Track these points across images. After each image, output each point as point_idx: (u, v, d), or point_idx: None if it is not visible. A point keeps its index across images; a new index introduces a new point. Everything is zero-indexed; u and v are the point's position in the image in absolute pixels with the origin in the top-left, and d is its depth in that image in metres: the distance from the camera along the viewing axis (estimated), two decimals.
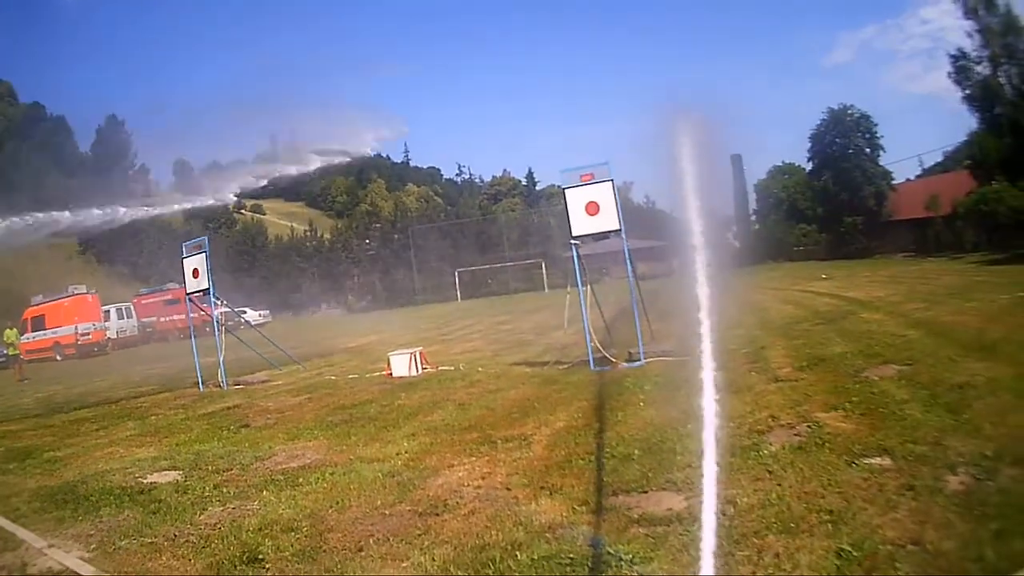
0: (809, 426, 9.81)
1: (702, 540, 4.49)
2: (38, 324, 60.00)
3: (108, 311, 64.68)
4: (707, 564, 4.34)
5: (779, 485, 7.61)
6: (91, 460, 13.69)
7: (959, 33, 56.56)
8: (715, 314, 5.29)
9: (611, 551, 6.47)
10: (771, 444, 9.15)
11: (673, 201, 6.91)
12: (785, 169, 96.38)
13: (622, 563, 6.22)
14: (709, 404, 4.84)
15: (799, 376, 13.44)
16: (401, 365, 20.85)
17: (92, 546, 8.45)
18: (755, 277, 51.04)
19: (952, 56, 56.21)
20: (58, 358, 57.44)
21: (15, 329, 43.62)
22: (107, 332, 62.47)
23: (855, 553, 5.82)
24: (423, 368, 21.20)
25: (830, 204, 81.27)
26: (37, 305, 60.80)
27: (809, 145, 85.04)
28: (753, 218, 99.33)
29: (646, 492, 8.00)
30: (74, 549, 8.43)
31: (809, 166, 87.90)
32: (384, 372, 21.33)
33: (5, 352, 45.48)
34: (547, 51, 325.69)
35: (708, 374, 4.95)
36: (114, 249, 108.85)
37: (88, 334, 58.39)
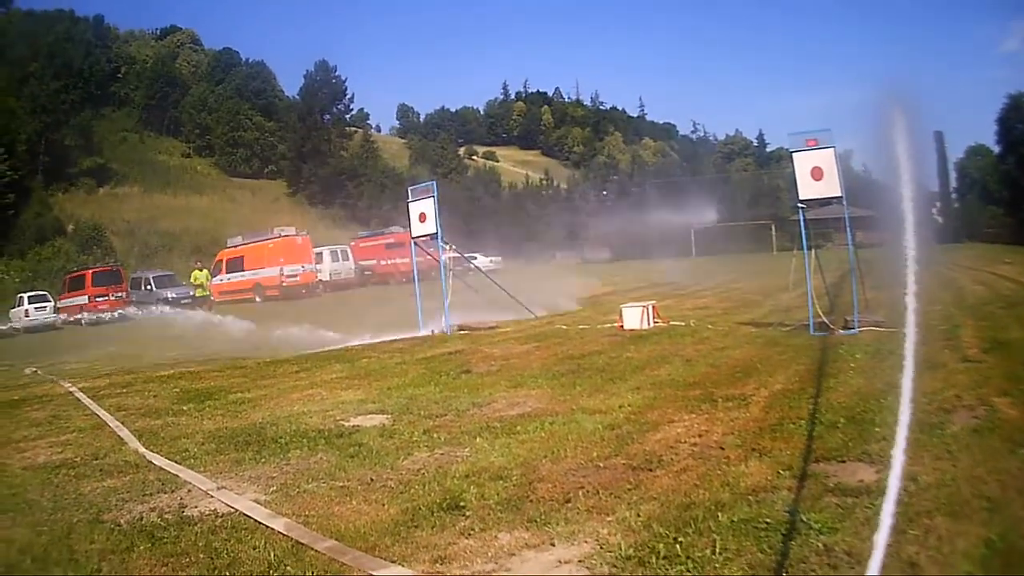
0: (986, 409, 9.60)
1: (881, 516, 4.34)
2: (234, 266, 61.01)
3: (321, 253, 64.83)
4: (881, 542, 4.16)
5: (954, 466, 7.46)
6: (286, 402, 13.59)
7: None
8: (920, 290, 5.16)
9: (804, 519, 6.34)
10: (954, 424, 9.01)
11: (885, 172, 7.02)
12: (978, 150, 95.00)
13: (811, 531, 6.10)
14: (906, 379, 4.79)
15: (983, 358, 13.18)
16: (633, 318, 20.68)
17: (272, 489, 8.25)
18: (952, 255, 51.12)
19: None
20: (258, 299, 57.76)
21: (205, 270, 44.54)
22: (319, 274, 62.79)
23: (999, 544, 5.70)
24: (655, 322, 20.96)
25: (1015, 189, 79.44)
26: (235, 247, 62.00)
27: (996, 129, 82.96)
28: (954, 196, 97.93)
29: (844, 462, 7.93)
30: (249, 491, 8.23)
31: (998, 149, 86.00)
32: (616, 324, 21.15)
33: (191, 293, 46.66)
34: (780, 17, 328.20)
35: (908, 350, 4.87)
36: (329, 191, 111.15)
37: (295, 276, 58.58)
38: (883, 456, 7.51)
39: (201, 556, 6.35)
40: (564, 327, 22.22)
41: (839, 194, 17.14)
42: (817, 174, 17.14)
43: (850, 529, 6.01)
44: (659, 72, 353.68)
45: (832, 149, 17.23)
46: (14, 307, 53.49)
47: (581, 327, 21.93)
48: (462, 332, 22.75)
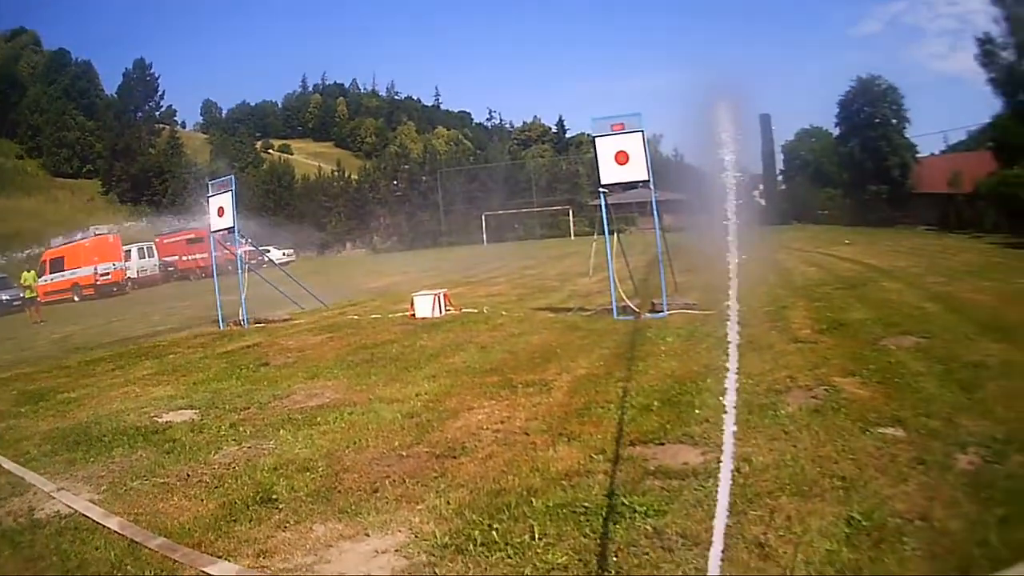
0: (826, 389, 9.83)
1: (717, 496, 4.48)
2: (56, 266, 59.76)
3: (129, 251, 64.62)
4: (720, 521, 4.33)
5: (794, 447, 7.65)
6: (105, 400, 13.59)
7: (986, 16, 57.03)
8: (739, 271, 5.24)
9: (625, 502, 6.50)
10: (788, 405, 9.18)
11: (701, 155, 7.07)
12: (813, 133, 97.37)
13: (635, 515, 6.25)
14: (732, 360, 4.78)
15: (819, 339, 13.48)
16: (425, 306, 20.98)
17: (103, 488, 8.40)
18: (779, 237, 51.20)
19: (979, 39, 56.75)
20: (76, 299, 57.09)
21: (33, 271, 43.33)
22: (127, 272, 62.55)
23: (864, 523, 5.84)
24: (447, 310, 21.35)
25: (856, 171, 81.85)
26: (56, 247, 60.60)
27: (837, 111, 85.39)
28: (780, 178, 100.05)
29: (663, 444, 8.05)
30: (84, 492, 8.37)
31: (837, 132, 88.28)
32: (408, 313, 21.43)
33: (22, 295, 45.14)
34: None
35: (732, 330, 4.89)
36: (137, 188, 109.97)
37: (108, 274, 58.31)
38: (707, 438, 7.93)
39: (55, 559, 6.60)
40: (356, 317, 22.49)
41: (646, 178, 17.31)
42: (622, 158, 17.32)
43: (680, 511, 6.23)
44: (454, 61, 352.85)
45: (640, 133, 17.43)
46: None
47: (373, 316, 22.29)
48: (259, 325, 22.90)
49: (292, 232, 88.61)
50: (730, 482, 4.52)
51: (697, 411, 8.88)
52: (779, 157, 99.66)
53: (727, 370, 4.74)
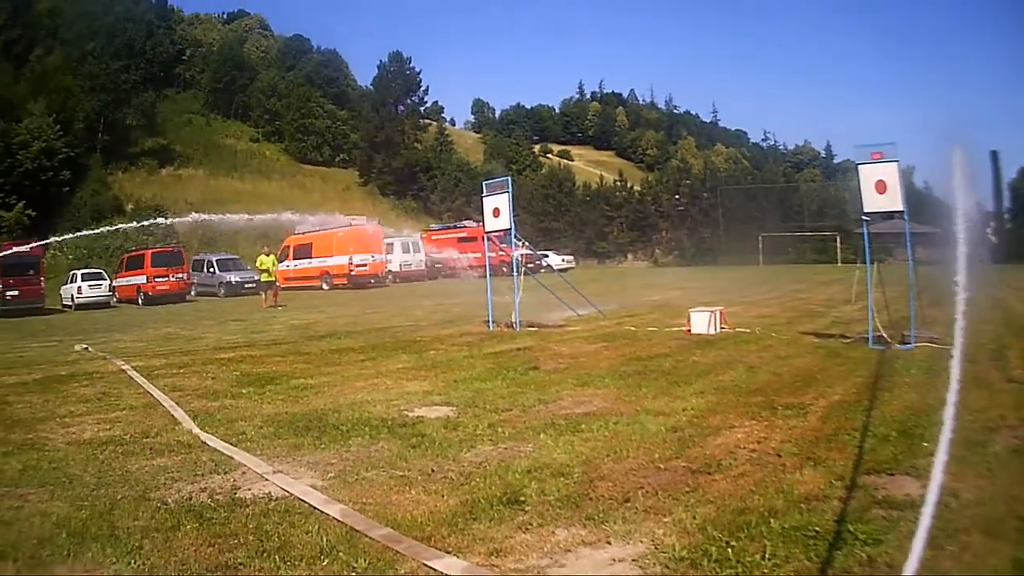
0: None
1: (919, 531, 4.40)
2: (302, 253, 61.77)
3: (392, 244, 65.97)
4: (915, 557, 4.21)
5: (992, 484, 7.53)
6: (349, 390, 13.56)
7: None
8: (969, 308, 5.48)
9: (851, 529, 6.45)
10: (996, 443, 9.06)
11: (945, 189, 7.56)
12: None
13: (856, 542, 6.20)
14: (951, 397, 4.98)
15: None
16: (701, 322, 20.75)
17: (330, 475, 8.28)
18: (1004, 275, 49.62)
19: None
20: (325, 287, 58.79)
21: (272, 255, 43.79)
22: (388, 264, 63.74)
23: None
24: (721, 328, 21.05)
25: None
26: (303, 234, 62.25)
27: None
28: (1007, 216, 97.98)
29: (892, 475, 8.00)
30: (306, 476, 8.27)
31: None
32: (684, 328, 21.14)
33: (256, 278, 46.83)
34: (854, 33, 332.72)
35: (956, 369, 5.11)
36: (402, 182, 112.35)
37: (365, 265, 59.23)
38: (929, 471, 7.50)
39: (251, 538, 6.33)
40: (633, 328, 22.19)
41: (901, 208, 17.21)
42: (881, 187, 17.22)
43: (893, 542, 6.10)
44: (734, 79, 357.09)
45: (896, 163, 17.31)
46: (66, 284, 54.31)
47: (650, 329, 21.97)
48: (531, 329, 22.75)
49: (572, 239, 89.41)
50: (932, 517, 4.47)
51: (925, 444, 8.78)
52: (1005, 194, 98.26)
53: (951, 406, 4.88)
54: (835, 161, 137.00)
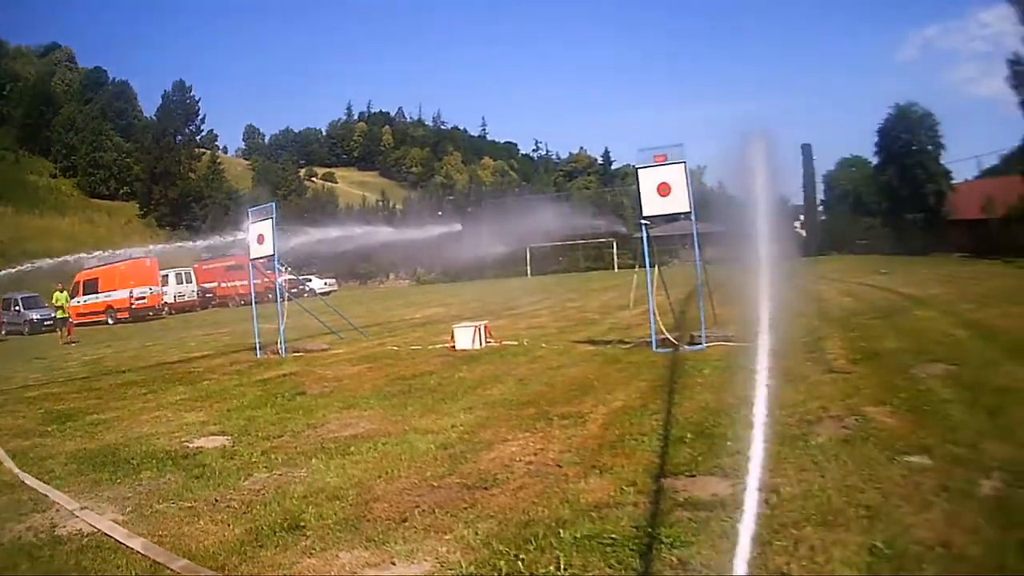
0: (856, 419, 9.97)
1: (741, 528, 4.50)
2: (90, 288, 60.96)
3: (167, 275, 65.71)
4: (743, 552, 4.34)
5: (822, 477, 7.76)
6: (136, 424, 13.73)
7: (1016, 39, 56.77)
8: (776, 302, 5.52)
9: (654, 533, 6.57)
10: (819, 435, 9.31)
11: (741, 186, 7.41)
12: (852, 162, 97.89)
13: (662, 546, 6.31)
14: (761, 391, 5.01)
15: (852, 369, 13.66)
16: (465, 338, 21.06)
17: (128, 509, 8.47)
18: (818, 267, 51.91)
19: (1009, 61, 56.60)
20: (110, 322, 58.73)
21: (65, 292, 43.34)
22: (164, 296, 63.69)
23: (886, 551, 5.92)
24: (487, 342, 21.39)
25: (893, 199, 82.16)
26: (91, 268, 60.98)
27: (876, 139, 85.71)
28: (820, 208, 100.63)
29: (693, 476, 8.14)
30: (108, 511, 8.45)
31: (875, 160, 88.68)
32: (448, 344, 21.51)
33: (53, 315, 45.79)
34: (627, 31, 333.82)
35: (763, 362, 5.14)
36: (177, 212, 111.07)
37: (144, 298, 59.40)
38: (737, 470, 7.73)
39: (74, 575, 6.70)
40: (396, 348, 22.54)
41: (687, 210, 17.47)
42: (664, 190, 17.43)
43: (706, 542, 6.29)
44: (501, 92, 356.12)
45: (682, 164, 17.56)
46: None
47: (413, 348, 22.32)
48: (296, 354, 22.96)
49: (335, 261, 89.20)
50: (756, 513, 4.56)
51: (728, 443, 8.95)
52: (820, 187, 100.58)
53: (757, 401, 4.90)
54: (614, 167, 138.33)
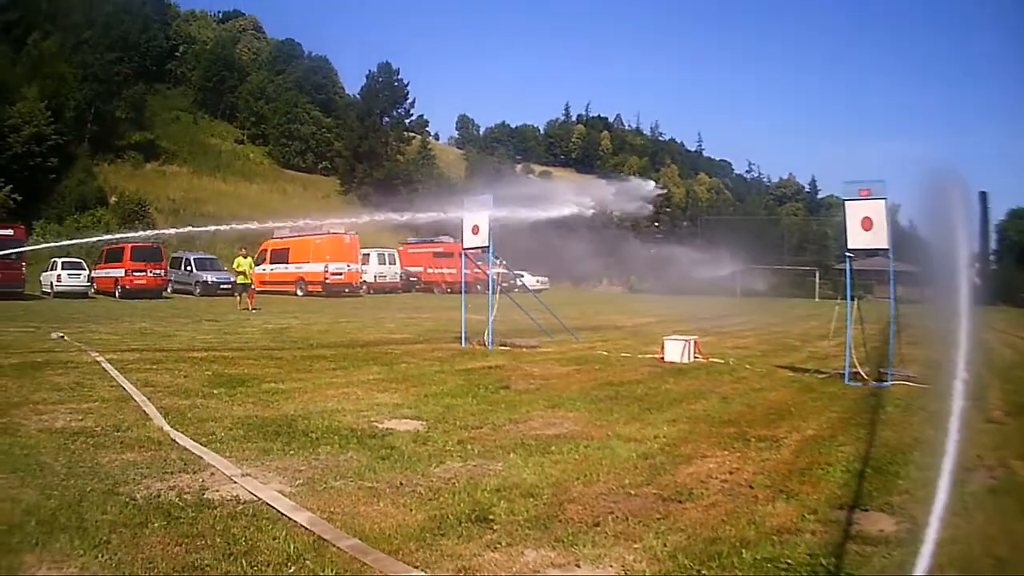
0: (1004, 470, 9.86)
1: (900, 564, 4.98)
2: (279, 257, 62.15)
3: (368, 255, 66.30)
4: None
5: (968, 524, 7.29)
6: (320, 397, 13.51)
7: None
8: (959, 350, 5.52)
9: (823, 563, 6.49)
10: (973, 482, 9.05)
11: (937, 232, 7.30)
12: (1020, 213, 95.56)
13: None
14: (952, 437, 5.11)
15: (1006, 420, 13.48)
16: (675, 351, 20.68)
17: (298, 482, 8.20)
18: (986, 317, 50.33)
19: None
20: (299, 293, 59.31)
21: (249, 258, 43.72)
22: (363, 275, 64.03)
23: None
24: (695, 357, 21.03)
25: None
26: (281, 239, 62.37)
27: None
28: (992, 258, 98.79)
29: (867, 511, 8.01)
30: (274, 481, 8.19)
31: None
32: (657, 355, 21.10)
33: (232, 279, 47.06)
34: (843, 67, 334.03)
35: (957, 409, 5.23)
36: (382, 193, 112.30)
37: (340, 274, 59.69)
38: (903, 508, 7.91)
39: (218, 540, 6.26)
40: (606, 353, 22.16)
41: (886, 246, 17.25)
42: (867, 224, 17.27)
43: None
44: (720, 109, 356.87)
45: (883, 201, 17.38)
46: (46, 271, 53.97)
47: (623, 355, 21.94)
48: (504, 348, 22.68)
49: (548, 260, 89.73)
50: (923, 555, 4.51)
51: (900, 481, 8.94)
52: (992, 236, 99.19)
53: (934, 444, 4.93)
54: (819, 196, 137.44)
